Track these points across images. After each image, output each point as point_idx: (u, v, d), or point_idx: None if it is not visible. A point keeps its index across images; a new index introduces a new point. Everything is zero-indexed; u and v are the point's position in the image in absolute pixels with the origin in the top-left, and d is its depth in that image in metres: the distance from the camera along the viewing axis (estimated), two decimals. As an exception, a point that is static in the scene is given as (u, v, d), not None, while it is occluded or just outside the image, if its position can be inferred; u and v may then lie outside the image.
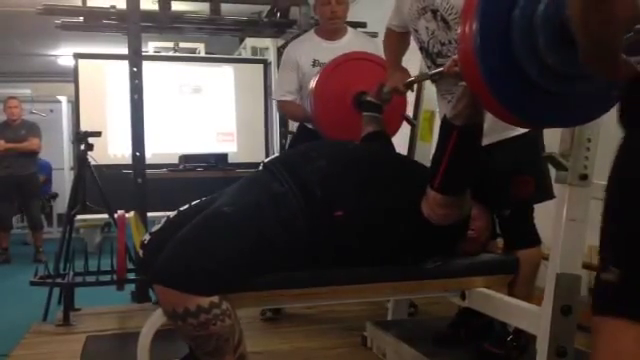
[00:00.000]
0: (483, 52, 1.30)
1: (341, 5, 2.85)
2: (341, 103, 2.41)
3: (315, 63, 2.87)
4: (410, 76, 2.22)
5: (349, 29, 3.00)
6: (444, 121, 1.61)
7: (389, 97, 2.21)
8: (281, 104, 3.05)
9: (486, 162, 1.77)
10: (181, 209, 1.77)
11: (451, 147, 1.55)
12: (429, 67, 2.12)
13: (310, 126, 2.81)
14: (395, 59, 2.27)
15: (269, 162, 1.78)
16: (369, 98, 2.23)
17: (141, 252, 1.72)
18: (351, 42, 2.91)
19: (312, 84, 2.51)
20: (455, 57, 1.80)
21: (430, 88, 2.77)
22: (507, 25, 1.27)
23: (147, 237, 1.73)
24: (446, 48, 1.97)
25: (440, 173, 1.58)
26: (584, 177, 1.49)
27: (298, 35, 4.03)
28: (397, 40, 2.26)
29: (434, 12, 1.97)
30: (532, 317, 1.63)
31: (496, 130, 1.83)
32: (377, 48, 2.93)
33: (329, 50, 2.82)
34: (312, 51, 2.89)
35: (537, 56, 1.24)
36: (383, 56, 2.68)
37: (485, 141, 1.71)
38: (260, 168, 1.78)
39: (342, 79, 2.44)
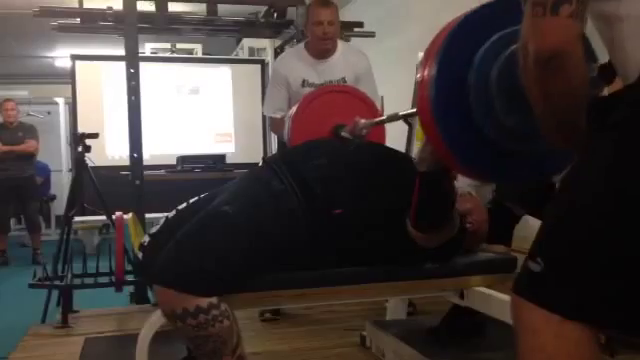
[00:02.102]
0: (440, 114, 1.29)
1: (333, 26, 2.84)
2: (319, 134, 2.40)
3: (304, 83, 2.89)
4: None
5: (339, 44, 2.97)
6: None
7: (364, 133, 2.22)
8: (273, 121, 3.04)
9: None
10: (179, 208, 1.76)
11: (417, 191, 1.56)
12: None
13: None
14: None
15: (270, 159, 1.77)
16: (344, 133, 2.24)
17: (140, 254, 1.72)
18: (341, 61, 2.91)
19: (291, 112, 2.51)
20: None
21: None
22: (463, 87, 1.25)
23: (146, 239, 1.72)
24: None
25: (413, 214, 1.59)
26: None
27: (294, 35, 4.03)
28: None
29: None
30: (530, 316, 1.63)
31: None
32: (368, 62, 2.96)
33: (318, 70, 2.86)
34: (301, 70, 2.90)
35: (495, 119, 1.22)
36: (373, 69, 2.68)
37: None
38: (261, 164, 1.78)
39: (322, 110, 2.43)
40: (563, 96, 0.92)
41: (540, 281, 0.92)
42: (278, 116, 2.97)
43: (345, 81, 2.89)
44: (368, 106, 2.47)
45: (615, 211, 0.86)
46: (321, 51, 2.90)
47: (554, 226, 0.94)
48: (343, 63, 2.90)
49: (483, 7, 1.27)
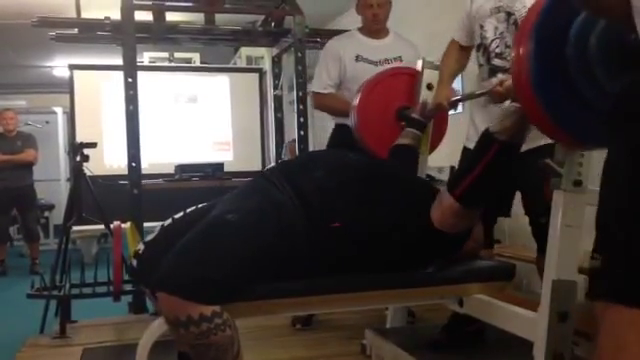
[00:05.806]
0: (541, 86, 1.30)
1: (382, 8, 2.92)
2: (383, 117, 2.39)
3: (358, 58, 2.92)
4: (455, 94, 2.27)
5: (391, 30, 3.05)
6: (484, 133, 1.61)
7: (433, 114, 2.24)
8: (321, 97, 2.99)
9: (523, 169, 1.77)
10: (175, 217, 1.76)
11: (487, 160, 1.55)
12: (481, 65, 2.23)
13: (349, 123, 2.55)
14: (448, 77, 2.30)
15: (268, 170, 1.78)
16: (414, 115, 2.24)
17: (135, 262, 1.71)
18: (394, 43, 2.99)
19: (355, 101, 2.46)
20: (500, 77, 1.91)
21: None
22: (561, 60, 1.25)
23: (141, 247, 1.72)
24: (509, 51, 2.05)
25: (467, 183, 1.58)
26: (578, 183, 1.50)
27: (292, 44, 4.05)
28: (457, 56, 2.32)
29: (508, 14, 2.10)
30: (529, 323, 1.63)
31: (537, 137, 1.79)
32: (417, 52, 2.97)
33: (373, 47, 2.92)
34: (356, 46, 2.94)
35: (599, 86, 1.22)
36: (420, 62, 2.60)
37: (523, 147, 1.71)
38: (259, 177, 1.78)
39: (384, 94, 2.43)
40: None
41: (604, 275, 0.90)
42: (328, 91, 2.96)
43: (402, 60, 2.91)
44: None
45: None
46: (373, 31, 2.97)
47: (598, 220, 0.92)
48: (395, 45, 2.97)
49: None
